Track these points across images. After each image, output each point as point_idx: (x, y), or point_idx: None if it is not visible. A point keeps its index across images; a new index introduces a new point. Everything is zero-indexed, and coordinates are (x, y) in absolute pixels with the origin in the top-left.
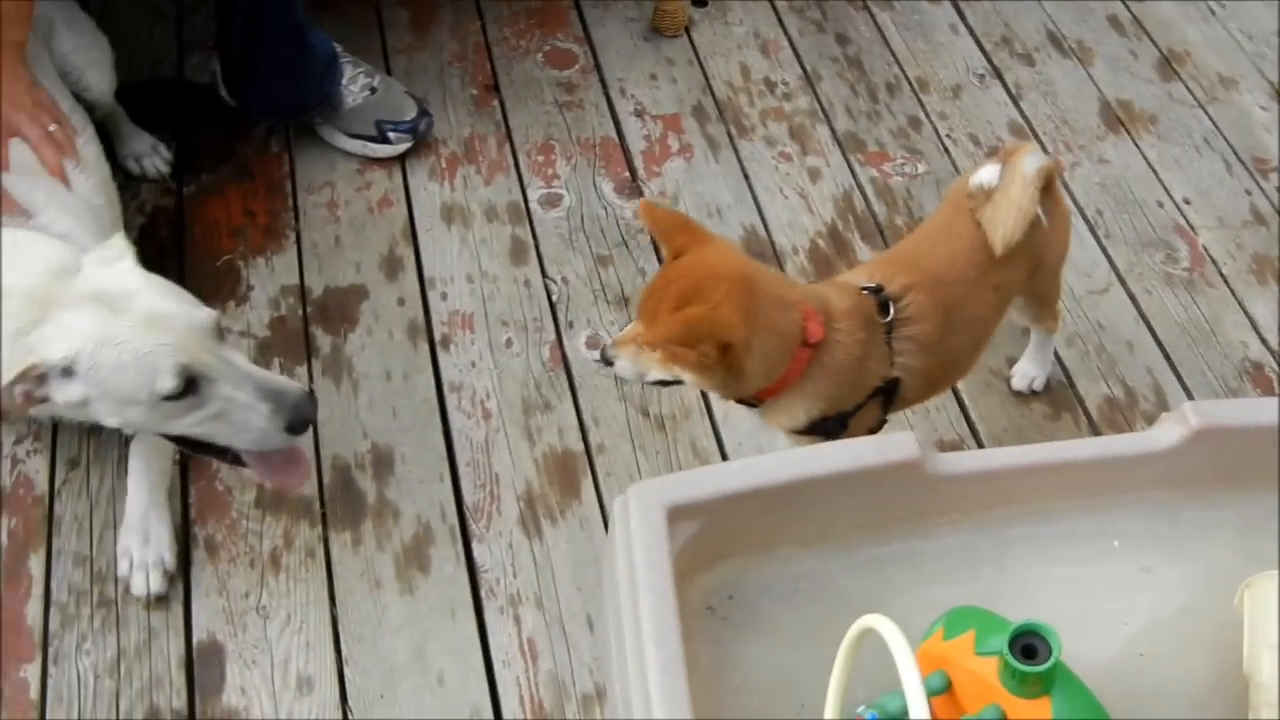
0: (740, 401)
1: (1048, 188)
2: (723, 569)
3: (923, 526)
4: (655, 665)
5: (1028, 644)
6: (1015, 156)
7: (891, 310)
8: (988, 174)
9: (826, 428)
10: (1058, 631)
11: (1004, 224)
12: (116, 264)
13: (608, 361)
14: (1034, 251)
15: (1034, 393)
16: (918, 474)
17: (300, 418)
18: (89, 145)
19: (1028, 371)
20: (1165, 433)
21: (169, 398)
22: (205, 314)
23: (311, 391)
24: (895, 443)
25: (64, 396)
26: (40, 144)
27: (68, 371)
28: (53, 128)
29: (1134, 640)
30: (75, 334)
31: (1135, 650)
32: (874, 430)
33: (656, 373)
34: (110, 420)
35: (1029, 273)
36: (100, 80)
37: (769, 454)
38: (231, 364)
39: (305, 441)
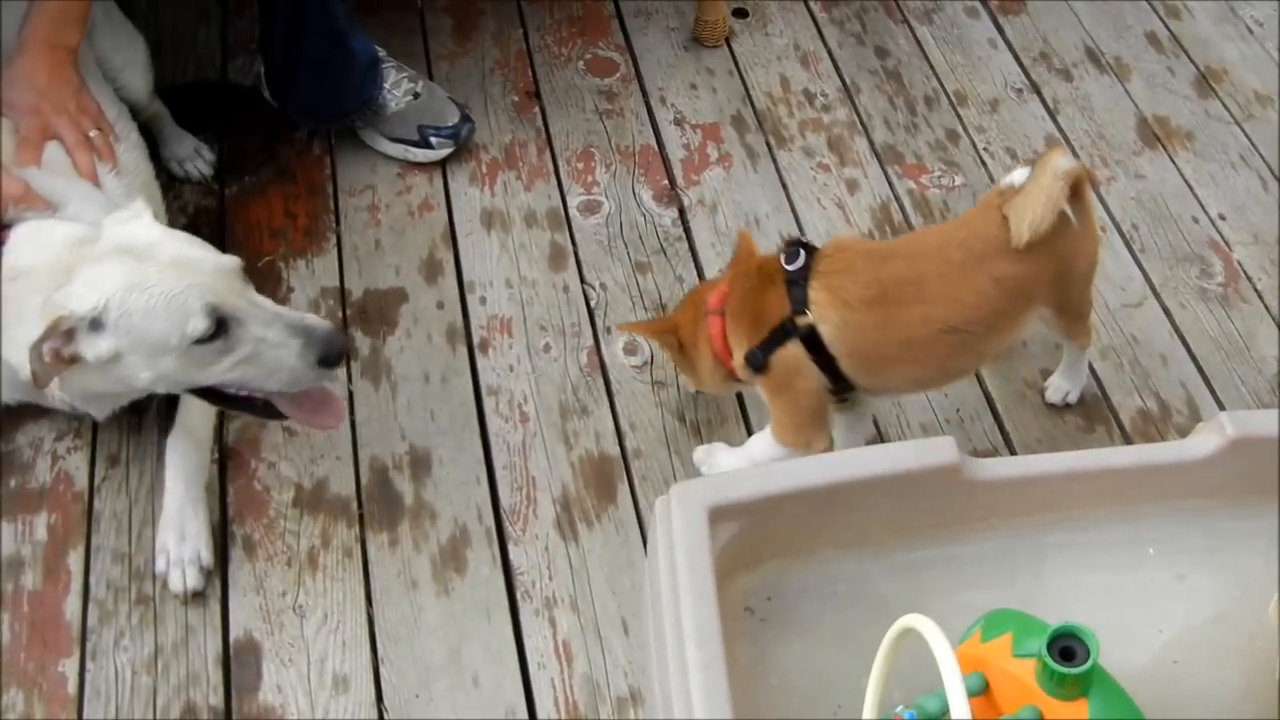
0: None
1: (1078, 193)
2: (762, 570)
3: (960, 531)
4: (696, 664)
5: (1066, 646)
6: (1047, 155)
7: (801, 258)
8: (1020, 175)
9: (752, 361)
10: (1095, 634)
11: (1032, 210)
12: (136, 220)
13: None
14: (1057, 255)
15: (1068, 405)
16: (956, 479)
17: (333, 350)
18: (130, 151)
19: (1061, 385)
20: (1201, 442)
21: (201, 340)
22: (229, 259)
23: (336, 327)
24: (934, 447)
25: (94, 351)
26: (76, 147)
27: (96, 324)
28: (92, 133)
29: (1168, 647)
30: (102, 284)
31: (1169, 657)
32: (837, 393)
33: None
34: (143, 374)
35: (1052, 279)
36: (136, 79)
37: (809, 457)
38: (259, 305)
39: (343, 433)
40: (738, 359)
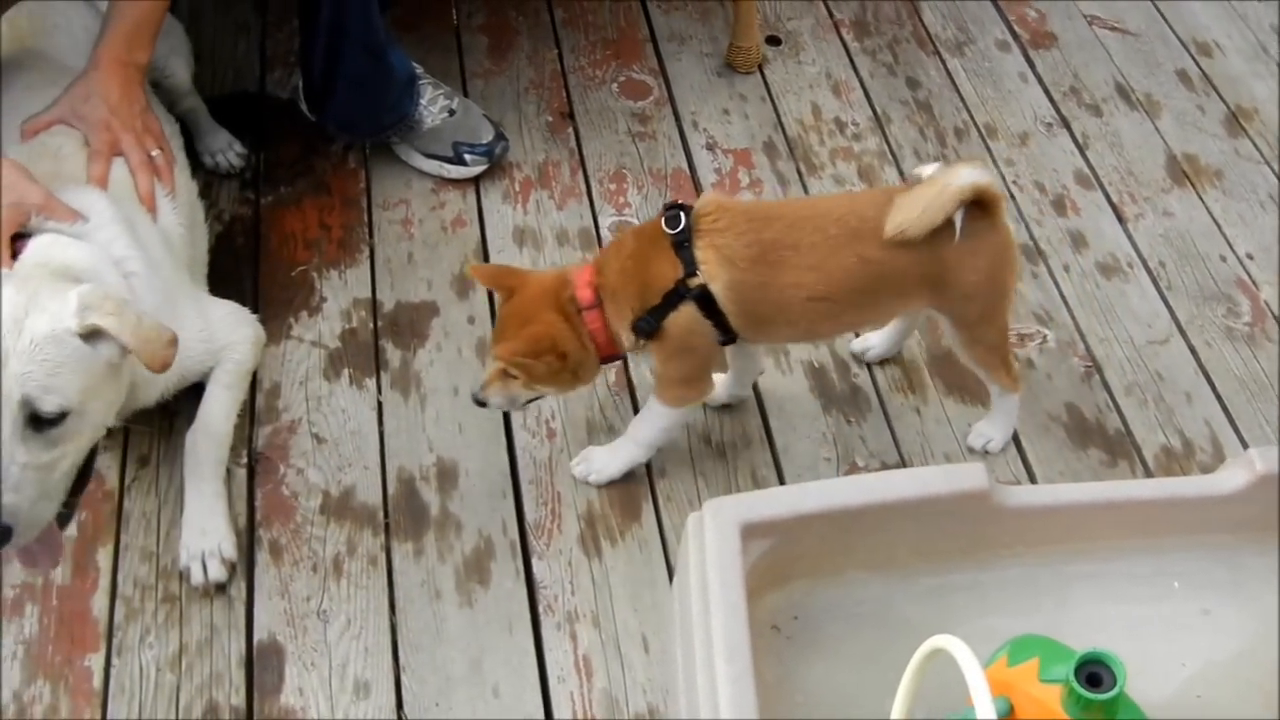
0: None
1: (988, 211)
2: (789, 589)
3: (986, 558)
4: (725, 678)
5: (1093, 672)
6: (959, 164)
7: (683, 220)
8: (931, 168)
9: (641, 329)
10: (1123, 661)
11: (907, 210)
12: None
13: (481, 404)
14: (934, 259)
15: (987, 453)
16: (985, 505)
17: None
18: (181, 172)
19: (983, 430)
20: (1229, 477)
21: None
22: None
23: (8, 529)
24: (964, 473)
25: None
26: (139, 168)
27: None
28: (155, 153)
29: (1191, 682)
30: None
31: (1193, 691)
32: (727, 342)
33: (524, 394)
34: None
35: (924, 280)
36: (181, 67)
37: (840, 478)
38: None
39: (371, 442)
40: (624, 332)
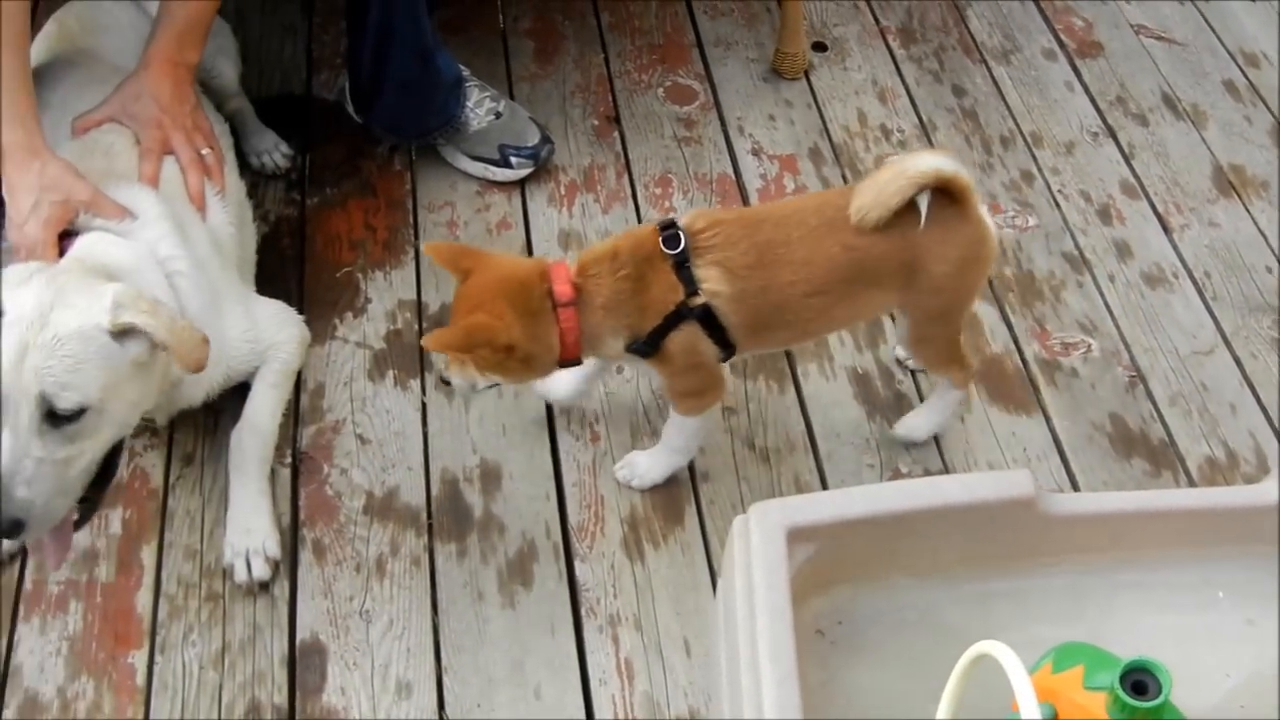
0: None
1: (957, 201)
2: (834, 594)
3: (1031, 565)
4: (770, 681)
5: (1138, 680)
6: (914, 153)
7: (683, 242)
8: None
9: (639, 350)
10: (1169, 670)
11: (861, 195)
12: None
13: (447, 382)
14: (911, 245)
15: (914, 443)
16: (1031, 512)
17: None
18: (230, 171)
19: (909, 419)
20: (1275, 487)
21: None
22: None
23: (20, 523)
24: (1011, 480)
25: None
26: (189, 166)
27: None
28: (205, 151)
29: (1235, 692)
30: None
31: (1236, 702)
32: (726, 358)
33: (481, 379)
34: None
35: (899, 269)
36: (228, 67)
37: (886, 483)
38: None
39: (415, 444)
40: (609, 341)
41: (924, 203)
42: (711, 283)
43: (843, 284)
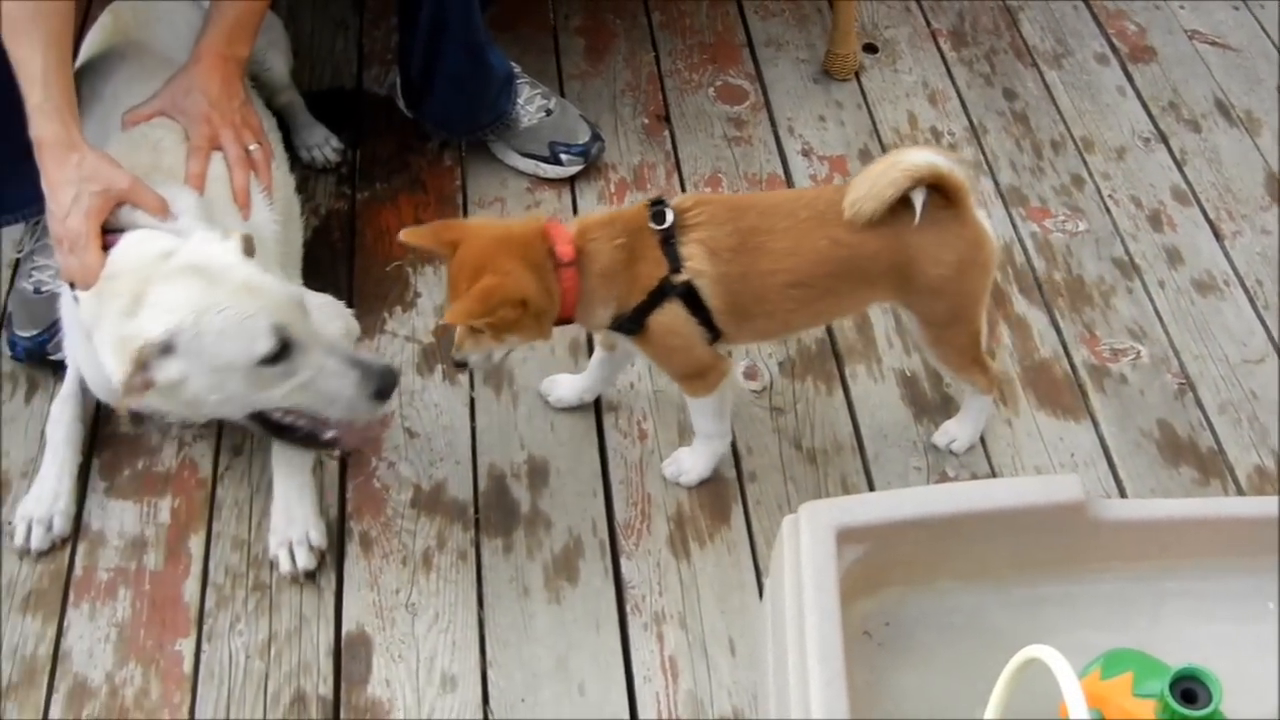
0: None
1: (952, 201)
2: (882, 596)
3: (1080, 571)
4: (818, 681)
5: (1187, 688)
6: (905, 148)
7: (669, 217)
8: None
9: (623, 325)
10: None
11: (854, 189)
12: (219, 243)
13: (461, 364)
14: (903, 245)
15: (952, 453)
16: (1081, 517)
17: (386, 385)
18: (279, 166)
19: (949, 429)
20: None
21: (265, 361)
22: (295, 289)
23: (390, 363)
24: (1060, 484)
25: (164, 375)
26: (236, 164)
27: (167, 348)
28: (253, 147)
29: None
30: (174, 307)
31: None
32: (712, 341)
33: (497, 348)
34: (210, 397)
35: (891, 268)
36: (279, 61)
37: (936, 486)
38: (319, 336)
39: (463, 439)
40: (599, 310)
41: (919, 200)
42: (695, 261)
43: (828, 279)
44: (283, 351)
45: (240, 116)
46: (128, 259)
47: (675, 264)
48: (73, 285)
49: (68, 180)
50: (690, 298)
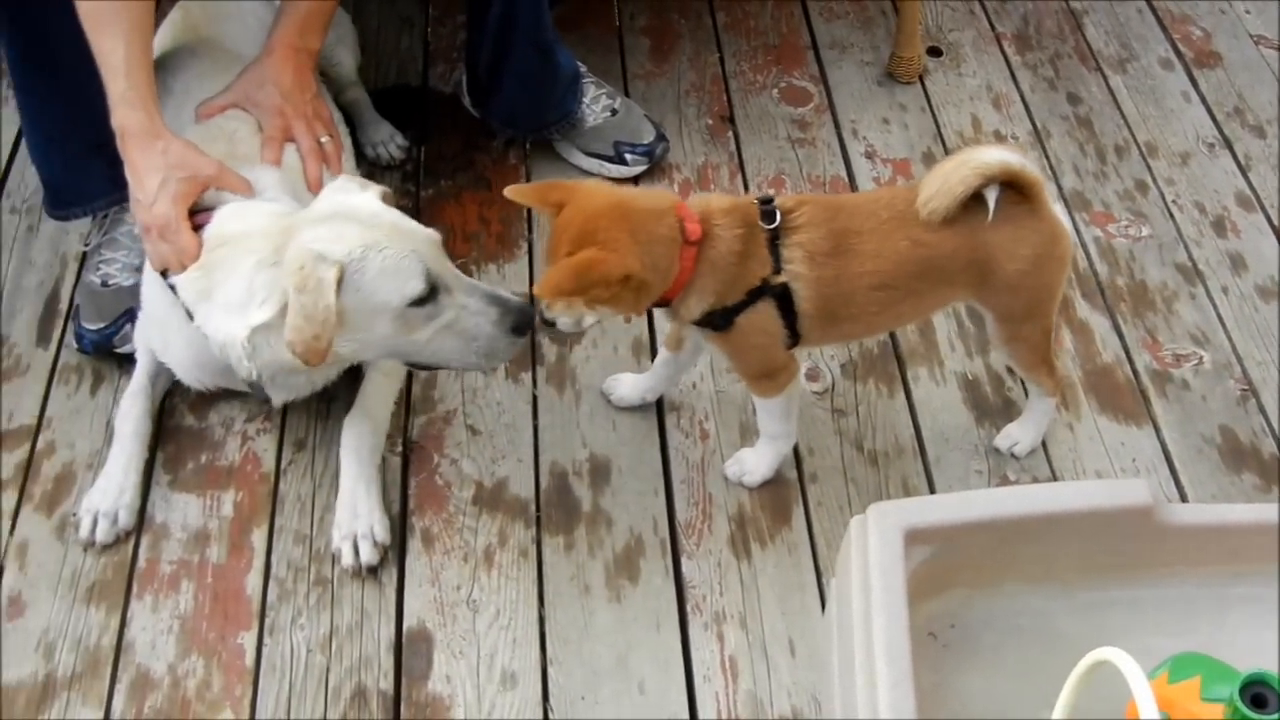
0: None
1: (1028, 197)
2: (947, 597)
3: (1146, 575)
4: (885, 681)
5: (1257, 693)
6: (992, 145)
7: (778, 218)
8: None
9: (714, 321)
10: None
11: (927, 187)
12: (358, 193)
13: (550, 324)
14: (975, 242)
15: (1014, 456)
16: (1148, 522)
17: (525, 319)
18: (348, 161)
19: (1011, 432)
20: None
21: (415, 303)
22: (434, 232)
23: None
24: (1128, 488)
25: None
26: (309, 154)
27: (339, 278)
28: (325, 139)
29: None
30: (346, 239)
31: None
32: (790, 345)
33: (589, 315)
34: (358, 335)
35: (968, 266)
36: (347, 56)
37: (1004, 488)
38: (460, 278)
39: (525, 436)
40: (695, 301)
41: (992, 198)
42: (795, 264)
43: (909, 279)
44: (430, 293)
45: (312, 109)
46: (237, 226)
47: (777, 265)
48: (164, 273)
49: (154, 167)
50: (783, 299)
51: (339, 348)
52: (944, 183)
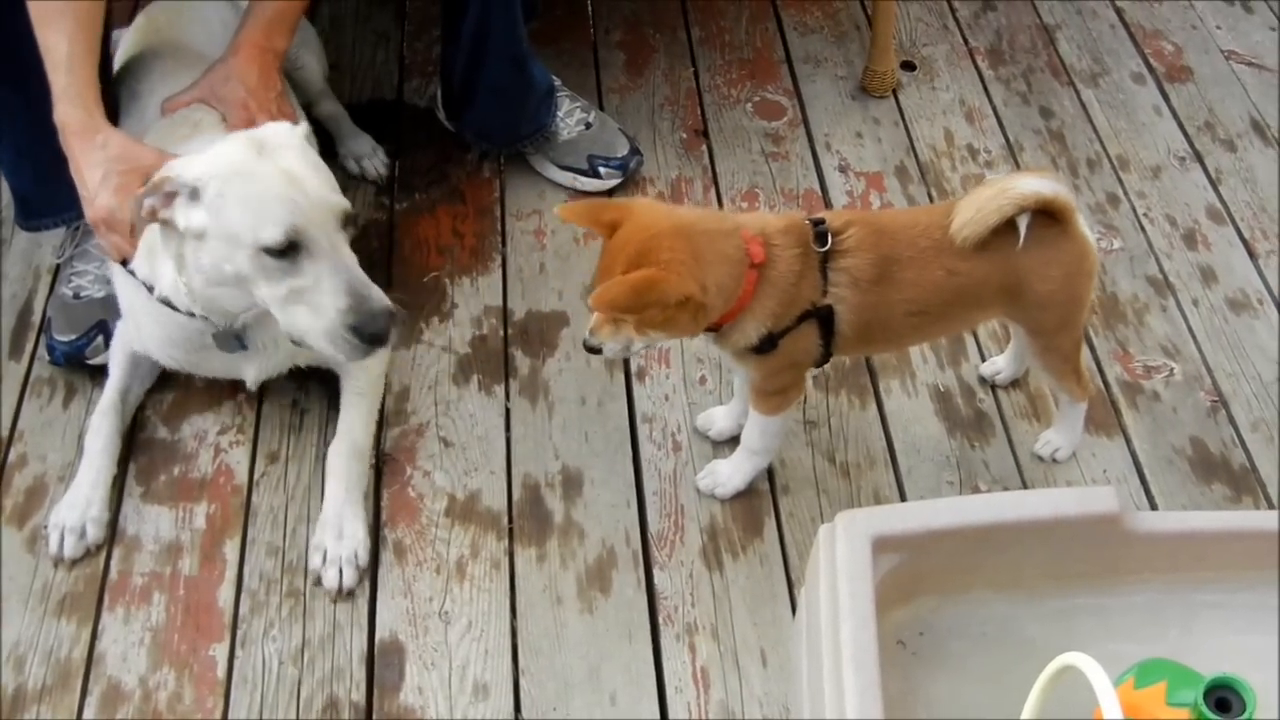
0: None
1: (1060, 220)
2: (916, 605)
3: (1113, 582)
4: (853, 689)
5: (1221, 697)
6: (1013, 173)
7: (830, 241)
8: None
9: (762, 346)
10: (1253, 687)
11: (961, 214)
12: (290, 130)
13: (594, 350)
14: (1007, 267)
15: (1055, 461)
16: (1115, 529)
17: (369, 327)
18: None
19: (1051, 439)
20: None
21: (270, 251)
22: (340, 200)
23: (395, 312)
24: (1096, 496)
25: (185, 220)
26: None
27: (195, 194)
28: None
29: None
30: (215, 161)
31: None
32: (820, 363)
33: (638, 341)
34: (224, 266)
35: (1001, 289)
36: (312, 60)
37: (972, 496)
38: (338, 253)
39: (497, 448)
40: (748, 334)
41: (1023, 223)
42: (840, 287)
43: (942, 305)
44: (290, 249)
45: (277, 107)
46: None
47: (824, 288)
48: (124, 263)
49: (94, 162)
50: (825, 320)
51: (219, 271)
52: (978, 211)
